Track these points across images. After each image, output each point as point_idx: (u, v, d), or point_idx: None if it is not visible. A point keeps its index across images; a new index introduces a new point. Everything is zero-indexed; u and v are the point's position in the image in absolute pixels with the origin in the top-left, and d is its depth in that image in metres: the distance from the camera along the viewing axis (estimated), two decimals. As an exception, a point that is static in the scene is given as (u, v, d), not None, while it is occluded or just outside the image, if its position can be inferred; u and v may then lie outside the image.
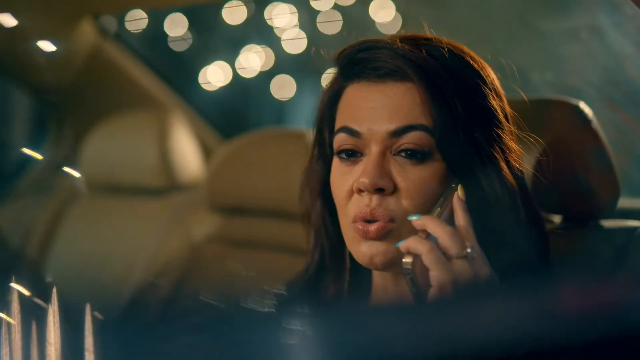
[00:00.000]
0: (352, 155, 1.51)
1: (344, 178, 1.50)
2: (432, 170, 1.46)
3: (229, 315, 1.37)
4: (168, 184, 3.02)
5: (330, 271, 1.63)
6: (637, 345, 1.11)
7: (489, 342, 1.09)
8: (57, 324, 1.29)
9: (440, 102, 1.46)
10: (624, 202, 1.93)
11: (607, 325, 1.09)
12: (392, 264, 1.45)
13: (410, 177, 1.45)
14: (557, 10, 2.46)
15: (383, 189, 1.45)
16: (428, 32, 1.57)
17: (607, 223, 1.80)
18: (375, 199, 1.45)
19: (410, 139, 1.46)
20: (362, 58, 1.52)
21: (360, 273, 1.61)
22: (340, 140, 1.51)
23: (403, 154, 1.46)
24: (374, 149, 1.47)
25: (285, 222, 2.49)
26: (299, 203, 1.68)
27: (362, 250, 1.47)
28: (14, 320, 1.28)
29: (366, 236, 1.45)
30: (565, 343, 1.08)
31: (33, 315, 1.31)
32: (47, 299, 1.31)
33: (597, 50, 2.27)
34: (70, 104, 3.42)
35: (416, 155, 1.46)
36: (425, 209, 1.45)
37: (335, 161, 1.54)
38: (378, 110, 1.48)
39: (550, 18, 2.49)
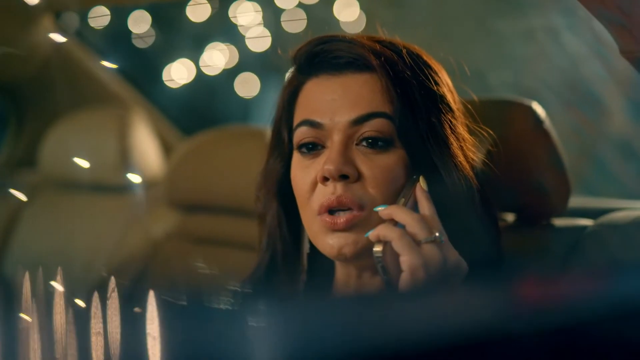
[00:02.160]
0: (313, 148, 1.51)
1: (306, 171, 1.51)
2: (395, 158, 1.48)
3: (187, 312, 1.38)
4: (127, 181, 3.01)
5: (282, 273, 1.62)
6: (585, 338, 1.13)
7: (437, 334, 1.10)
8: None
9: (399, 89, 1.48)
10: (578, 201, 1.96)
11: (557, 319, 1.11)
12: (361, 254, 1.45)
13: (375, 165, 1.46)
14: (513, 12, 2.48)
15: (347, 175, 1.45)
16: (383, 33, 1.61)
17: (559, 222, 1.82)
18: (340, 186, 1.45)
19: (371, 127, 1.47)
20: (320, 50, 1.53)
21: (320, 272, 1.61)
22: (301, 134, 1.52)
23: (365, 143, 1.48)
24: (336, 139, 1.48)
25: (245, 220, 2.50)
26: (255, 204, 1.68)
27: (329, 242, 1.47)
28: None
29: (334, 228, 1.45)
30: (516, 336, 1.10)
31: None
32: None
33: (552, 52, 2.30)
34: (30, 100, 3.40)
35: (378, 144, 1.47)
36: (391, 197, 1.46)
37: (296, 157, 1.54)
38: (338, 101, 1.50)
39: (507, 19, 2.51)
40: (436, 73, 1.55)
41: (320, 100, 1.52)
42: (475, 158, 1.53)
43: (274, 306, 1.56)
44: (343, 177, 1.45)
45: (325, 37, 1.55)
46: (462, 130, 1.54)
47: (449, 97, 1.54)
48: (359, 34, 1.58)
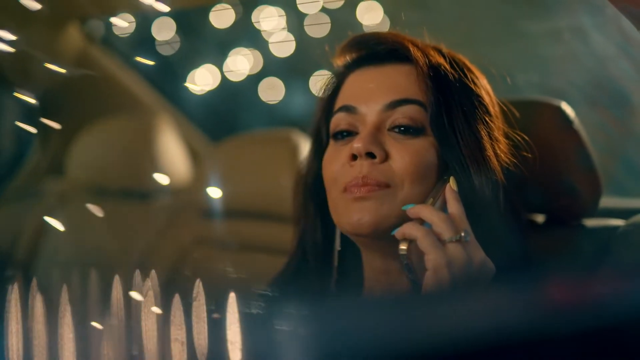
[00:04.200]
0: (347, 135, 1.55)
1: (337, 154, 1.55)
2: (425, 144, 1.51)
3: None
4: (155, 187, 3.01)
5: (313, 270, 1.65)
6: (617, 340, 1.12)
7: (469, 334, 1.10)
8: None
9: (435, 80, 1.52)
10: (608, 201, 1.94)
11: (588, 321, 1.10)
12: (380, 230, 1.48)
13: (404, 148, 1.49)
14: (539, 12, 2.47)
15: (374, 155, 1.48)
16: (426, 37, 1.66)
17: (590, 222, 1.81)
18: (366, 165, 1.48)
19: (404, 113, 1.51)
20: (365, 39, 1.61)
21: (350, 269, 1.63)
22: (337, 120, 1.57)
23: (397, 130, 1.51)
24: (369, 121, 1.52)
25: (273, 224, 2.50)
26: (292, 201, 1.70)
27: (350, 215, 1.49)
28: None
29: (357, 194, 1.48)
30: (547, 337, 1.09)
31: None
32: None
33: (580, 52, 2.28)
34: (57, 108, 3.42)
35: (409, 131, 1.51)
36: (418, 180, 1.49)
37: (331, 144, 1.59)
38: (375, 88, 1.55)
39: (534, 19, 2.50)
40: (476, 76, 1.58)
41: (359, 88, 1.58)
42: (507, 160, 1.53)
43: (303, 308, 1.57)
44: (370, 156, 1.49)
45: (370, 32, 1.63)
46: (497, 133, 1.55)
47: (486, 99, 1.56)
48: None
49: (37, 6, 2.18)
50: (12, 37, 2.01)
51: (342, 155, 1.53)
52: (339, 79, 1.63)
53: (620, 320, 1.12)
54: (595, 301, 1.13)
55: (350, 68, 1.62)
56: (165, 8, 1.75)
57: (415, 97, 1.52)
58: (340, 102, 1.59)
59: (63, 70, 3.11)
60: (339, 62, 1.65)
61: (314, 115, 1.67)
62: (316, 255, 1.64)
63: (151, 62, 2.96)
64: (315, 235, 1.65)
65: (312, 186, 1.64)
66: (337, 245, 1.62)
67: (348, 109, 1.55)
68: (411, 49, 1.54)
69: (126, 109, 3.38)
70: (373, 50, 1.59)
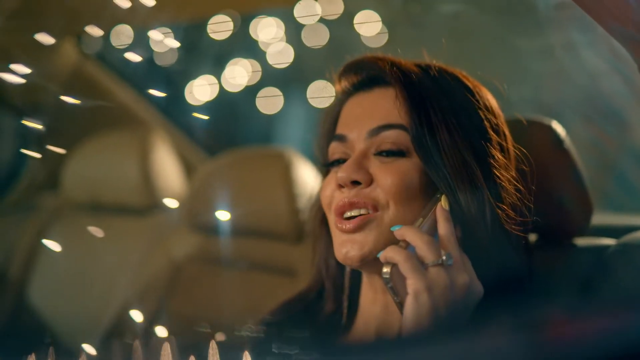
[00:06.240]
0: (342, 162, 1.57)
1: (330, 181, 1.57)
2: (410, 164, 1.51)
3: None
4: (150, 203, 3.01)
5: (328, 293, 1.68)
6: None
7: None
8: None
9: (418, 102, 1.51)
10: (601, 219, 1.93)
11: (584, 344, 1.10)
12: (369, 260, 1.49)
13: (388, 169, 1.51)
14: (531, 29, 2.47)
15: (359, 182, 1.51)
16: (425, 56, 1.66)
17: (581, 241, 1.81)
18: (353, 191, 1.51)
19: (387, 137, 1.52)
20: (355, 65, 1.62)
21: (354, 291, 1.65)
22: (332, 149, 1.60)
23: (382, 154, 1.52)
24: (357, 148, 1.55)
25: (266, 242, 2.50)
26: (307, 226, 1.73)
27: (340, 247, 1.52)
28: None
29: (343, 230, 1.50)
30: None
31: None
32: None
33: (571, 68, 2.28)
34: (52, 123, 3.42)
35: (394, 153, 1.52)
36: (404, 200, 1.49)
37: (330, 171, 1.61)
38: (362, 114, 1.57)
39: (525, 36, 2.50)
40: (470, 92, 1.56)
41: (349, 116, 1.60)
42: (501, 177, 1.51)
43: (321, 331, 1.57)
44: (356, 183, 1.51)
45: (358, 57, 1.63)
46: (492, 150, 1.53)
47: (480, 114, 1.54)
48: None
49: (51, 41, 2.17)
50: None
51: (332, 181, 1.56)
52: (339, 106, 1.65)
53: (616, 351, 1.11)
54: (587, 333, 1.12)
55: (347, 95, 1.64)
56: (176, 44, 1.76)
57: (397, 122, 1.52)
58: (337, 130, 1.62)
59: (60, 95, 3.12)
60: (337, 89, 1.67)
61: (318, 143, 1.69)
62: (331, 279, 1.67)
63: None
64: (328, 260, 1.67)
65: (322, 212, 1.65)
66: (348, 269, 1.64)
67: (340, 137, 1.58)
68: (389, 72, 1.53)
69: (121, 124, 3.38)
70: (362, 77, 1.61)
